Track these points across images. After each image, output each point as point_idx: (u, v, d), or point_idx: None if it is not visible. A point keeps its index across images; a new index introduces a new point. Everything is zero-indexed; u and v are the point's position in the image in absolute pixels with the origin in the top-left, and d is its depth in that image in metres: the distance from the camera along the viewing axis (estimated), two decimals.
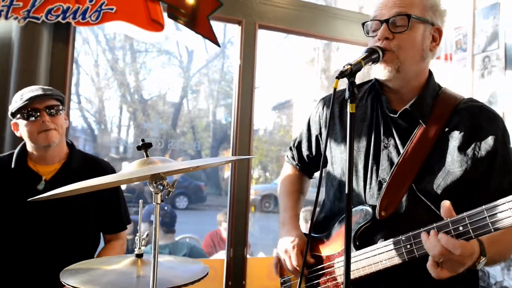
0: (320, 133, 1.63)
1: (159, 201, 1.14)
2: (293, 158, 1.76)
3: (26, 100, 1.81)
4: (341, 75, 1.15)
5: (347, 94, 1.13)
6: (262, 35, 3.13)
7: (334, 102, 1.19)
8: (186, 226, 5.88)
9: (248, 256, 3.00)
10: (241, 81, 2.96)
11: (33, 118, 1.83)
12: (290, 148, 1.78)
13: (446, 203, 1.14)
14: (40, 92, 1.83)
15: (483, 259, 1.15)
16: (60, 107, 1.89)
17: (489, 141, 1.28)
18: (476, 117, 1.32)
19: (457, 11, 2.98)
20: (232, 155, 2.99)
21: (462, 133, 1.30)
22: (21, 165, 1.89)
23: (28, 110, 1.83)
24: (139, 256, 1.30)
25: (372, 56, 1.27)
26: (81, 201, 1.88)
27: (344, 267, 1.08)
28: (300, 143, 1.73)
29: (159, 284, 1.10)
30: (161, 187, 1.14)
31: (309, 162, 1.72)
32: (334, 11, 3.28)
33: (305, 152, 1.71)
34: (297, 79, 11.33)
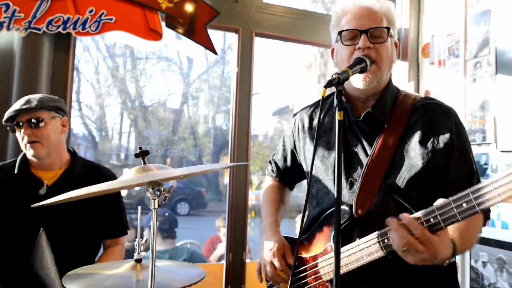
0: (295, 147, 1.72)
1: (156, 206, 1.19)
2: (272, 171, 1.86)
3: (7, 116, 1.88)
4: (329, 84, 1.20)
5: (335, 102, 1.18)
6: (261, 41, 3.18)
7: (321, 111, 1.26)
8: (187, 232, 5.91)
9: (248, 260, 3.04)
10: (238, 88, 3.01)
11: (17, 131, 1.90)
12: (270, 162, 1.87)
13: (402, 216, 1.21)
14: (22, 105, 1.88)
15: (453, 259, 1.24)
16: (47, 118, 1.91)
17: (446, 134, 1.38)
18: (432, 113, 1.43)
19: (449, 18, 3.03)
20: (230, 161, 3.04)
21: (421, 129, 1.41)
22: (24, 171, 1.95)
23: (11, 124, 1.90)
24: (138, 261, 1.34)
25: (360, 65, 1.33)
26: (83, 207, 1.93)
27: (334, 265, 1.13)
28: (277, 157, 1.82)
29: (158, 287, 1.15)
30: (158, 193, 1.19)
31: (287, 174, 1.81)
32: (330, 19, 3.32)
33: (281, 165, 1.81)
34: (296, 85, 11.37)
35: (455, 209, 1.14)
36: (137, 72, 10.97)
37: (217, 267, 3.02)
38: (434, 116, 1.42)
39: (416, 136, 1.40)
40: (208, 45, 2.84)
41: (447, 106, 1.48)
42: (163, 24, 2.73)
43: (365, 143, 1.46)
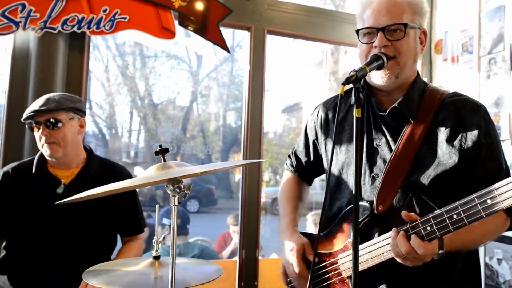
0: (317, 138, 1.70)
1: (176, 203, 1.20)
2: (291, 165, 1.83)
3: (26, 116, 1.90)
4: (347, 81, 1.21)
5: (352, 99, 1.18)
6: (270, 38, 3.19)
7: (340, 107, 1.26)
8: (197, 229, 5.93)
9: (260, 257, 3.05)
10: (251, 86, 3.02)
11: (35, 130, 1.92)
12: (289, 156, 1.85)
13: (403, 213, 1.25)
14: (40, 106, 1.89)
15: (441, 251, 1.24)
16: (65, 119, 1.92)
17: (474, 132, 1.35)
18: (460, 110, 1.39)
19: (462, 14, 3.01)
20: (243, 158, 3.05)
21: (448, 127, 1.37)
22: (41, 170, 1.97)
23: (30, 123, 1.92)
24: (157, 258, 1.36)
25: (377, 62, 1.33)
26: (100, 205, 1.94)
27: (352, 261, 1.14)
28: (298, 149, 1.80)
29: (176, 285, 1.16)
30: (178, 190, 1.20)
31: (308, 168, 1.78)
32: (341, 16, 3.32)
33: (303, 158, 1.77)
34: (306, 82, 11.34)
35: (447, 220, 1.19)
36: (146, 71, 11.01)
37: (230, 264, 3.04)
38: (463, 113, 1.38)
39: (444, 134, 1.37)
40: (221, 43, 2.86)
41: (477, 102, 1.43)
42: (176, 22, 2.75)
43: (389, 138, 1.43)
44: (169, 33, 2.72)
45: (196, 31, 2.82)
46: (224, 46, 2.86)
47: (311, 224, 3.96)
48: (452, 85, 3.08)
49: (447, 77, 3.12)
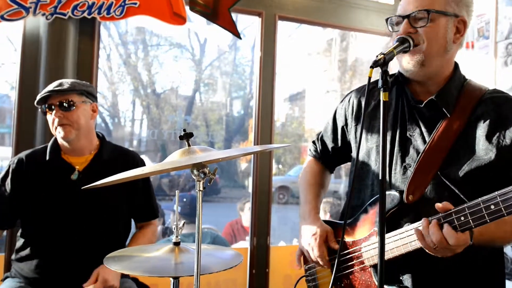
0: (346, 125, 1.67)
1: (201, 188, 1.19)
2: (316, 150, 1.81)
3: (40, 97, 1.89)
4: (375, 64, 1.18)
5: (379, 83, 1.16)
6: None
7: (368, 91, 1.23)
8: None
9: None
10: (261, 72, 2.99)
11: (49, 113, 1.91)
12: (314, 142, 1.83)
13: (436, 206, 1.22)
14: (54, 87, 1.89)
15: (470, 243, 1.22)
16: (78, 102, 1.92)
17: None
18: (500, 107, 1.36)
19: None
20: (254, 145, 3.03)
21: (487, 123, 1.34)
22: (55, 157, 1.96)
23: (43, 106, 1.91)
24: (177, 244, 1.35)
25: (403, 45, 1.31)
26: (115, 191, 1.93)
27: (379, 249, 1.12)
28: (326, 135, 1.77)
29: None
30: (203, 175, 1.19)
31: (333, 155, 1.76)
32: (354, 1, 3.27)
33: (329, 144, 1.75)
34: (310, 70, 11.27)
35: (484, 210, 1.16)
36: (149, 59, 10.96)
37: (241, 251, 3.03)
38: (503, 110, 1.35)
39: (481, 129, 1.34)
40: (232, 29, 2.82)
41: None
42: (187, 8, 2.71)
43: (423, 129, 1.41)
44: (180, 19, 2.68)
45: (207, 16, 2.78)
46: (235, 32, 2.83)
47: (321, 212, 3.95)
48: (467, 72, 3.03)
49: (461, 63, 3.07)
